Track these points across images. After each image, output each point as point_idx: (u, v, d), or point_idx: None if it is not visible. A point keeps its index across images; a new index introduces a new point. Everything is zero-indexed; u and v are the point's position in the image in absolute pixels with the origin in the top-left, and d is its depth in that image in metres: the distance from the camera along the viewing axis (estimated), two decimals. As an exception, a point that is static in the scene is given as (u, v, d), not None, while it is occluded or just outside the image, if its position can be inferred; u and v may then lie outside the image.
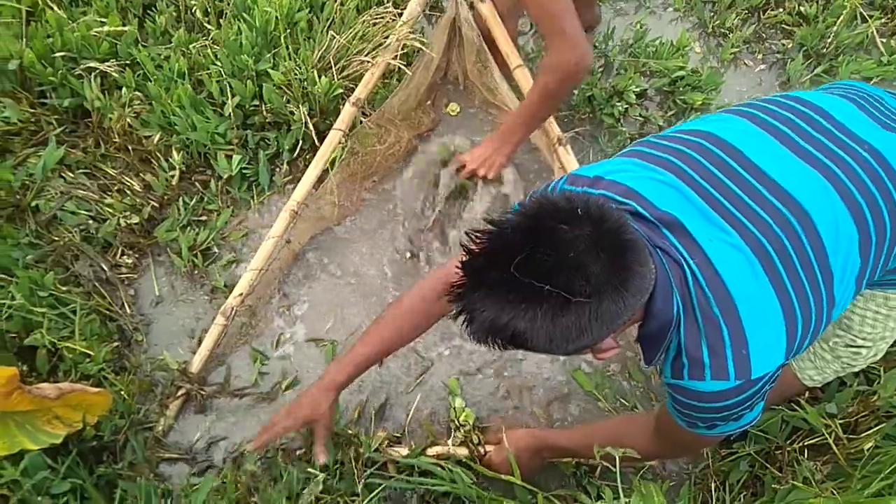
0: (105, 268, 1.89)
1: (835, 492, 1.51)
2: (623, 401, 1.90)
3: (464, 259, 0.93)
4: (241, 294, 1.89)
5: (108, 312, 1.87)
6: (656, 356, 1.10)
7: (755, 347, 1.03)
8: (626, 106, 2.34)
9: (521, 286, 0.87)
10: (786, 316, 1.03)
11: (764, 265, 1.03)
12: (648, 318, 1.02)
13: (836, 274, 1.07)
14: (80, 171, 2.07)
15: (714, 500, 1.58)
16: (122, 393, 1.72)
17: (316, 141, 2.07)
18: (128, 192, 2.05)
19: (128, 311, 1.90)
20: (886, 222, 1.09)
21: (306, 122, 2.07)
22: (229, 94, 2.09)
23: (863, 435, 1.65)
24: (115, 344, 1.83)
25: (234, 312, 1.88)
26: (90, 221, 1.97)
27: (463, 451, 1.70)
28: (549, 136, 2.04)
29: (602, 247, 0.88)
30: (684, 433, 1.21)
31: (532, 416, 1.88)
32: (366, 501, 1.47)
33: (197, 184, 2.12)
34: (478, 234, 0.93)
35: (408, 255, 2.09)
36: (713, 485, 1.67)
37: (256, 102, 2.12)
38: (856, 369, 1.58)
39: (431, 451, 1.71)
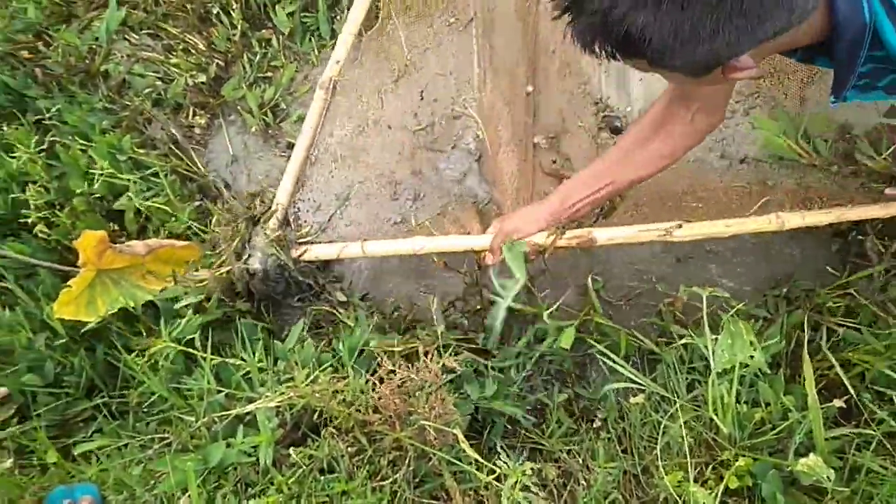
0: (176, 132, 1.89)
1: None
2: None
3: None
4: (338, 61, 1.76)
5: (186, 173, 1.90)
6: (850, 83, 0.92)
7: None
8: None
9: None
10: None
11: None
12: (835, 32, 0.84)
13: None
14: (144, 31, 2.04)
15: (806, 344, 1.51)
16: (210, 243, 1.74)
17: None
18: (192, 50, 2.02)
19: (202, 170, 1.91)
20: None
21: (365, -39, 1.93)
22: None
23: None
24: (198, 203, 1.87)
25: (332, 83, 1.76)
26: (158, 83, 1.96)
27: None
28: None
29: None
30: None
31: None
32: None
33: (257, 42, 2.05)
34: None
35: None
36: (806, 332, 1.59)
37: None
38: None
39: None
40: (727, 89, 1.29)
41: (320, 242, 1.73)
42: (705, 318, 1.44)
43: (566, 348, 1.52)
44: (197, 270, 1.68)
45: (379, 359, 1.38)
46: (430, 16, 1.93)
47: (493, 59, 1.90)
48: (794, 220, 1.53)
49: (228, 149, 1.99)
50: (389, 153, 1.85)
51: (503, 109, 1.88)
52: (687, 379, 1.52)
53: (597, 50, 0.79)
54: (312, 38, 2.04)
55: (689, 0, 0.70)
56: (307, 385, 1.34)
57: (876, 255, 1.63)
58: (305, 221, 1.79)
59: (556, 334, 1.57)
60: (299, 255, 1.67)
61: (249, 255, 1.66)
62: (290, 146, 1.97)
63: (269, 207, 1.78)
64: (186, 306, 1.59)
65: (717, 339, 1.44)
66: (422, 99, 1.90)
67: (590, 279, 1.66)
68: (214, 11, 2.03)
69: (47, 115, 1.84)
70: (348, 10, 2.04)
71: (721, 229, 1.51)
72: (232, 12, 2.02)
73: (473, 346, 1.64)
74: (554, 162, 1.86)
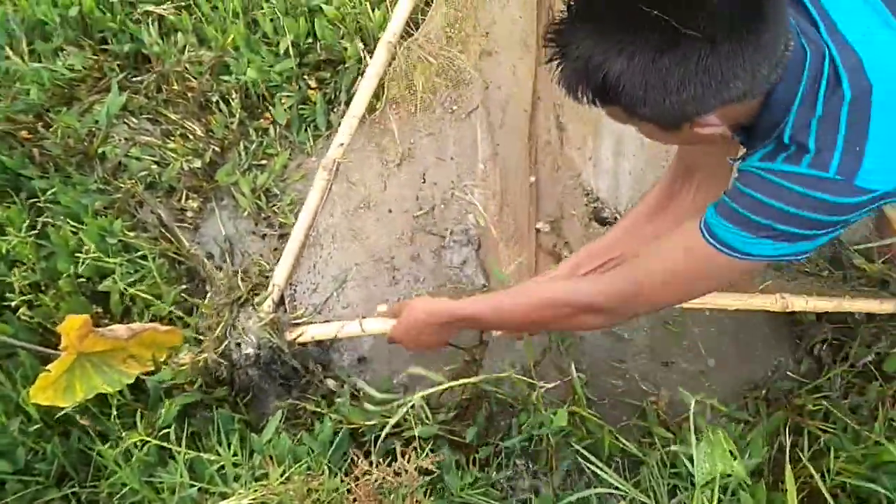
0: (164, 214, 1.91)
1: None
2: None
3: None
4: (342, 144, 1.76)
5: (175, 256, 1.91)
6: (758, 151, 0.97)
7: (874, 149, 0.86)
8: None
9: (628, 18, 0.78)
10: None
11: None
12: (763, 110, 0.91)
13: None
14: (144, 116, 2.10)
15: (788, 451, 1.51)
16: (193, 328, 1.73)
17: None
18: (190, 136, 2.07)
19: (191, 252, 1.91)
20: None
21: (362, 59, 2.01)
22: (286, 31, 2.05)
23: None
24: (184, 287, 1.87)
25: (335, 165, 1.75)
26: (154, 166, 2.00)
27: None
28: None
29: None
30: (679, 259, 1.05)
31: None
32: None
33: (254, 130, 2.11)
34: None
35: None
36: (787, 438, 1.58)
37: (311, 40, 2.08)
38: None
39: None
40: (727, 168, 1.31)
41: (316, 322, 1.71)
42: (692, 427, 1.42)
43: (559, 430, 1.51)
44: (179, 355, 1.68)
45: (355, 458, 1.36)
46: (432, 104, 2.00)
47: (496, 149, 1.97)
48: (799, 302, 1.57)
49: (221, 231, 2.01)
50: (388, 236, 1.88)
51: (506, 197, 1.93)
52: (669, 484, 1.50)
53: (579, 95, 0.87)
54: (308, 129, 2.09)
55: (658, 53, 0.78)
56: (280, 483, 1.32)
57: (830, 361, 1.68)
58: (301, 303, 1.78)
59: (546, 420, 1.56)
60: (295, 338, 1.65)
61: (239, 340, 1.65)
62: (282, 226, 2.00)
63: (254, 286, 1.79)
64: (167, 391, 1.58)
65: (699, 445, 1.42)
66: (423, 182, 1.95)
67: (573, 367, 1.65)
68: (214, 100, 2.09)
69: (42, 197, 1.86)
70: (345, 103, 2.12)
71: (728, 302, 1.56)
72: (231, 101, 2.08)
73: (458, 438, 1.62)
74: (555, 246, 1.91)
